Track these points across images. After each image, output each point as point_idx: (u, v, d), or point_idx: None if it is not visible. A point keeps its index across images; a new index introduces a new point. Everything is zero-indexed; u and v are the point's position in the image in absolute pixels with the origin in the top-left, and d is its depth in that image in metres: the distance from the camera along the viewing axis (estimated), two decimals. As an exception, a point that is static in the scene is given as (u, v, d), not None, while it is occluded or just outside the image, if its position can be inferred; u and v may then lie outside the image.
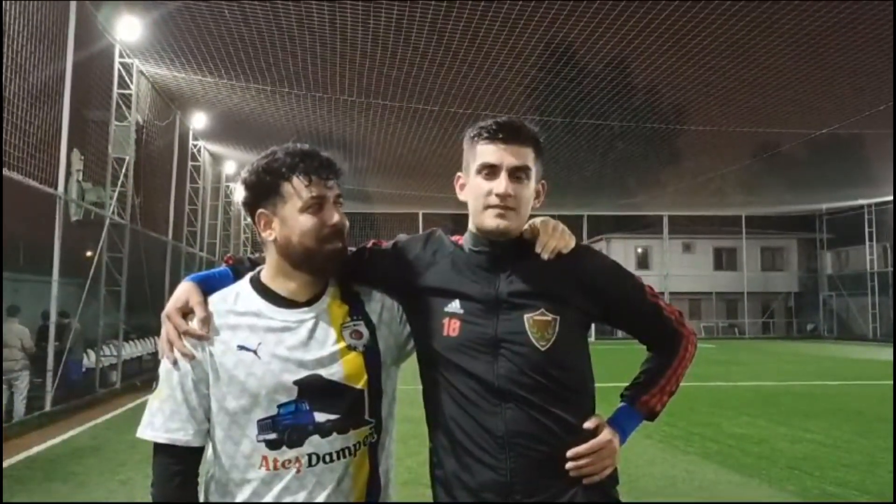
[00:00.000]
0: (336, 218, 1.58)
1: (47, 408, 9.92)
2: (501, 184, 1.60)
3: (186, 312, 1.58)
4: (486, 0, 11.57)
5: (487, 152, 1.63)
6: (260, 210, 1.59)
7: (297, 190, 1.55)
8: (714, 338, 34.72)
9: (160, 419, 1.54)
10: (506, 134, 1.62)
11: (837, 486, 5.97)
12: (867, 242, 32.61)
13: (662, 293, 32.40)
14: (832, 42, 13.12)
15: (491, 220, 1.62)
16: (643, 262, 37.02)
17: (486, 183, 1.62)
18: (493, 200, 1.61)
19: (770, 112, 18.04)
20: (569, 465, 1.57)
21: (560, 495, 1.57)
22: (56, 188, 10.15)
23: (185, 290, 1.61)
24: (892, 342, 23.49)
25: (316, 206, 1.56)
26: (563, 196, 27.34)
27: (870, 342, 30.38)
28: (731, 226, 36.22)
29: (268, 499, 1.51)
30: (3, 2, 8.61)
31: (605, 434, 1.62)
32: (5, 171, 8.54)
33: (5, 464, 6.92)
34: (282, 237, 1.58)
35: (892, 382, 12.12)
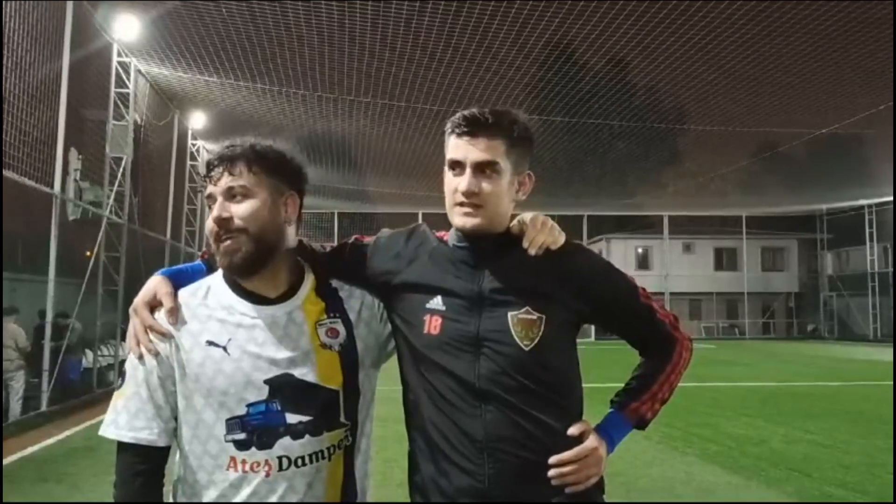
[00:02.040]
0: (214, 213, 1.49)
1: (43, 408, 9.89)
2: (464, 181, 1.53)
3: (155, 306, 1.53)
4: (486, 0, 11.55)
5: (454, 147, 1.56)
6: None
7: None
8: (714, 338, 34.68)
9: (125, 417, 1.48)
10: (471, 127, 1.54)
11: (836, 488, 5.93)
12: (867, 243, 32.57)
13: (662, 293, 32.23)
14: (832, 41, 13.07)
15: (458, 219, 1.56)
16: (643, 262, 36.98)
17: (454, 179, 1.56)
18: (459, 198, 1.54)
19: (770, 112, 18.00)
20: (551, 472, 1.50)
21: (541, 503, 1.51)
22: (52, 187, 10.13)
23: (154, 283, 1.57)
24: (892, 343, 23.44)
25: (212, 204, 1.50)
26: (563, 196, 27.32)
27: (870, 343, 30.32)
28: (732, 226, 36.20)
29: (236, 501, 1.45)
30: (3, 1, 8.59)
31: (591, 441, 1.54)
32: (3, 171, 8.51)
33: None
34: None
35: (892, 383, 12.08)
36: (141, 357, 1.49)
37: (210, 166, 1.51)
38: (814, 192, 27.94)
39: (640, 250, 37.49)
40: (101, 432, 1.51)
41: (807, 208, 33.37)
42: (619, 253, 36.45)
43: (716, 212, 35.45)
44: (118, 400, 1.51)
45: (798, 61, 14.27)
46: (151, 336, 1.49)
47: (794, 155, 23.55)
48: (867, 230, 32.42)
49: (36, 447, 7.83)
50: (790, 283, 38.17)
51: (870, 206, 31.63)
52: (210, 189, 1.50)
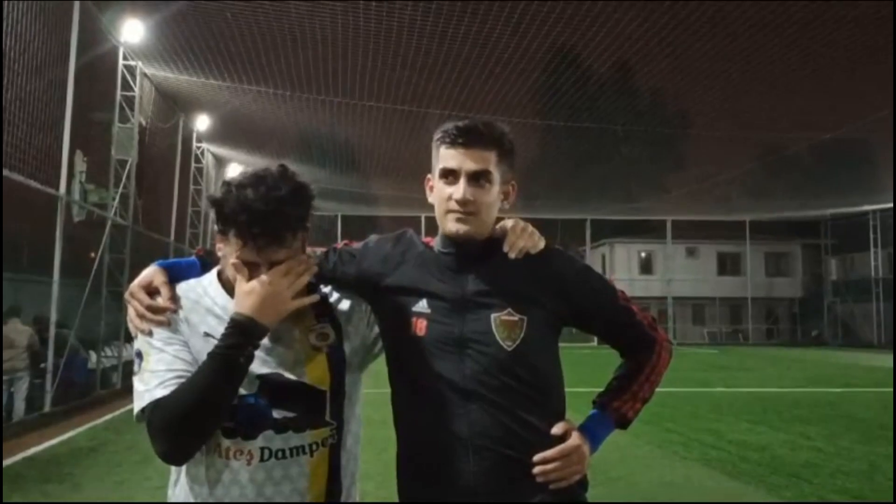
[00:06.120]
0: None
1: (47, 408, 9.93)
2: (460, 189, 1.59)
3: (151, 292, 1.57)
4: (490, 1, 11.60)
5: (448, 157, 1.63)
6: (217, 228, 1.56)
7: (234, 245, 1.49)
8: (718, 343, 34.58)
9: (157, 380, 1.46)
10: (465, 138, 1.61)
11: (836, 494, 5.92)
12: (872, 248, 32.47)
13: (665, 298, 31.97)
14: (836, 46, 13.08)
15: (452, 225, 1.62)
16: (646, 266, 36.94)
17: (447, 188, 1.62)
18: (453, 206, 1.60)
19: (774, 117, 18.01)
20: (536, 469, 1.55)
21: (525, 500, 1.55)
22: (58, 189, 10.19)
23: (150, 272, 1.61)
24: (893, 349, 23.36)
25: (246, 267, 1.50)
26: (566, 200, 27.30)
27: (874, 349, 30.20)
28: (735, 231, 36.07)
29: (218, 488, 1.51)
30: (4, 2, 8.64)
31: (574, 439, 1.59)
32: (7, 172, 8.56)
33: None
34: (224, 266, 1.57)
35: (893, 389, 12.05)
36: (150, 333, 1.52)
37: (252, 228, 1.43)
38: (818, 197, 27.88)
39: (643, 255, 37.44)
40: (137, 408, 1.48)
41: (811, 214, 33.28)
42: (622, 257, 36.43)
43: (719, 216, 35.31)
44: (143, 374, 1.49)
45: (801, 67, 14.28)
46: (154, 316, 1.53)
47: (799, 160, 23.56)
48: (871, 236, 32.33)
49: (39, 447, 7.87)
50: (794, 288, 38.07)
51: (874, 211, 31.53)
52: (248, 255, 1.47)
